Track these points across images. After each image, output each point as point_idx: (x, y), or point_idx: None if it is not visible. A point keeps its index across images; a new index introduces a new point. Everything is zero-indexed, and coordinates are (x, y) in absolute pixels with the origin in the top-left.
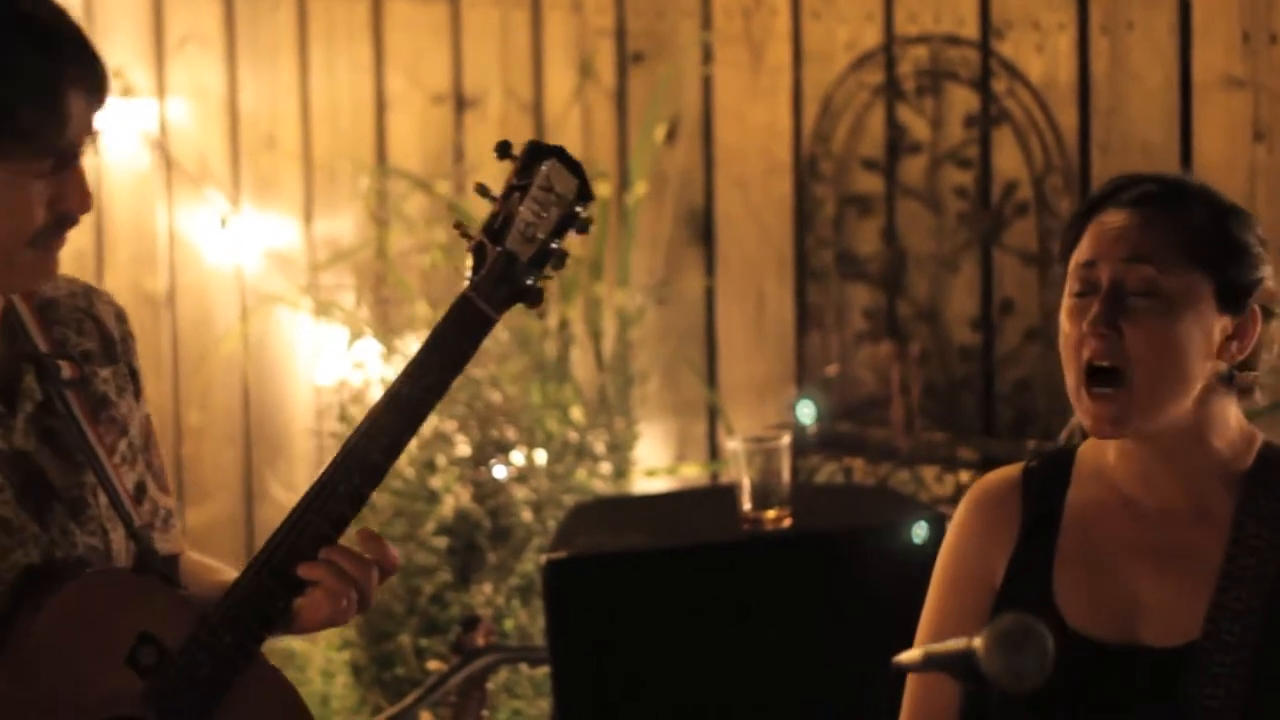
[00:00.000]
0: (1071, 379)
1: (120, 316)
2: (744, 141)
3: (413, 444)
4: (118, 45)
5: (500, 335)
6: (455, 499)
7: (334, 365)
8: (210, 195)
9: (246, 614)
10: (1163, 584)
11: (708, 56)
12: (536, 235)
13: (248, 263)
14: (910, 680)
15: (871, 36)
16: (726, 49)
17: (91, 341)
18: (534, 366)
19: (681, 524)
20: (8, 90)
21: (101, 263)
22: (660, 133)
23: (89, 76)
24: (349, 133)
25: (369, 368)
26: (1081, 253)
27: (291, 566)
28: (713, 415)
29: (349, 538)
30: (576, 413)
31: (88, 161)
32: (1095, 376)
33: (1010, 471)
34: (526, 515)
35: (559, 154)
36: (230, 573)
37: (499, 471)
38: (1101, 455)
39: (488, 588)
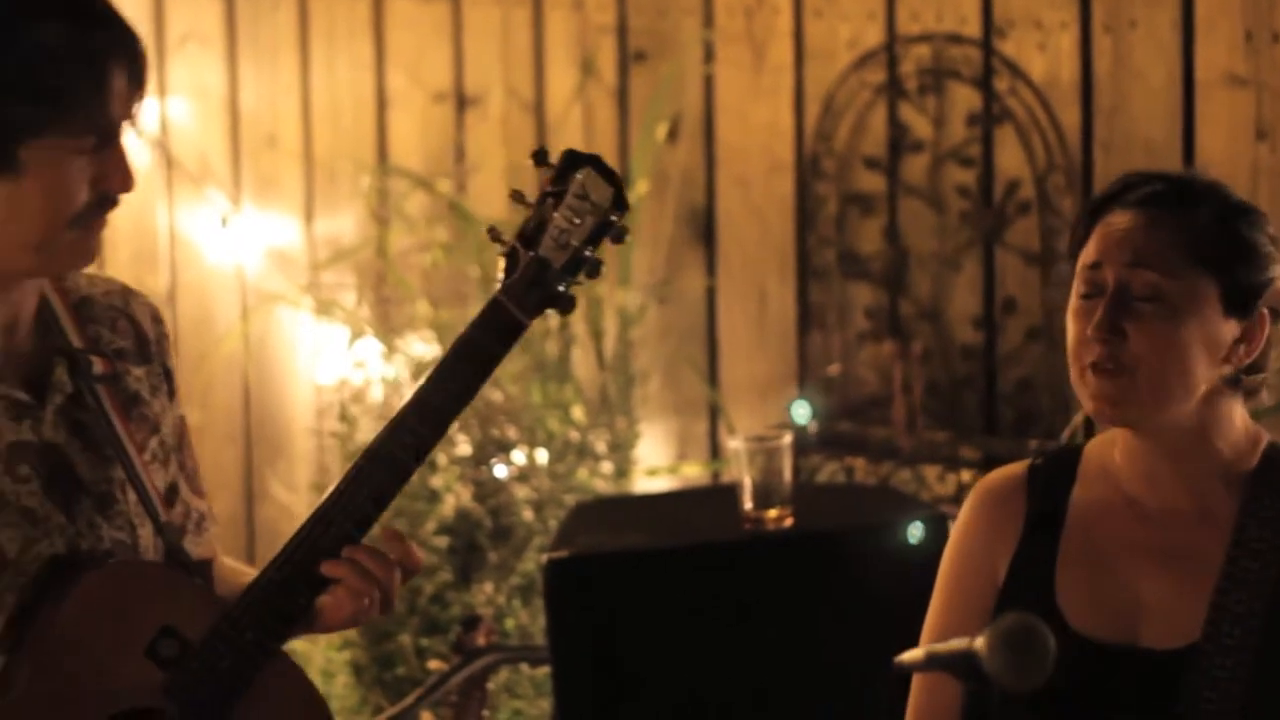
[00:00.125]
0: (1074, 373)
1: (156, 318)
2: (746, 140)
3: None
4: None
5: None
6: (456, 498)
7: (335, 364)
8: (211, 194)
9: (267, 610)
10: (1164, 585)
11: (709, 55)
12: (570, 242)
13: (248, 262)
14: (915, 680)
15: (873, 35)
16: (728, 47)
17: (126, 340)
18: (535, 366)
19: (682, 523)
20: (52, 62)
21: (102, 261)
22: (662, 131)
23: (130, 56)
24: (350, 131)
25: (370, 367)
26: (1088, 254)
27: (314, 564)
28: (714, 414)
29: (371, 537)
30: (578, 412)
31: None
32: (1099, 375)
33: (1015, 469)
34: (527, 515)
35: (595, 162)
36: None
37: (500, 471)
38: (1107, 455)
39: (489, 587)
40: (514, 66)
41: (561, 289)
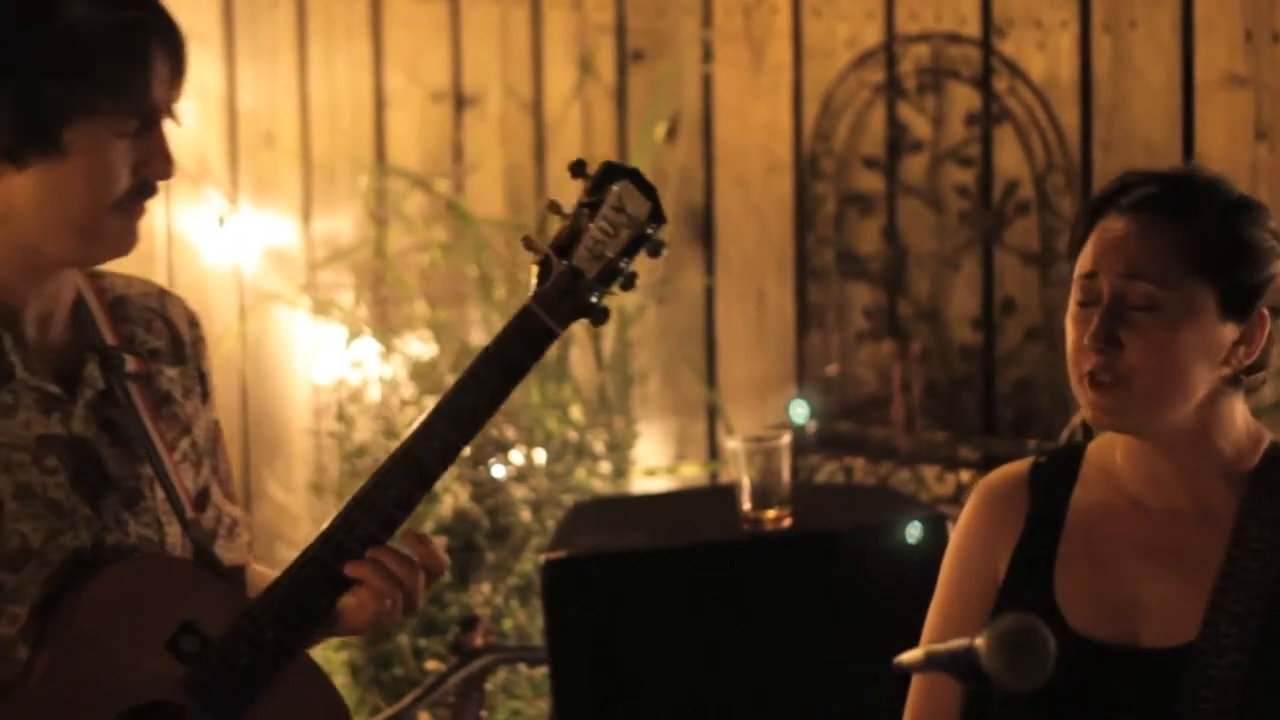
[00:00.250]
0: (1074, 378)
1: (193, 321)
2: (744, 140)
3: None
4: None
5: None
6: (454, 498)
7: (332, 364)
8: (209, 194)
9: (289, 609)
10: (1164, 584)
11: (708, 54)
12: (604, 253)
13: (246, 261)
14: (914, 680)
15: (872, 34)
16: (727, 47)
17: (161, 341)
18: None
19: (681, 524)
20: (92, 40)
21: None
22: (660, 131)
23: (170, 40)
24: (348, 131)
25: (367, 367)
26: (1084, 262)
27: (337, 564)
28: (712, 415)
29: (394, 539)
30: (576, 412)
31: None
32: (1095, 385)
33: (1019, 467)
34: (525, 515)
35: (633, 175)
36: None
37: (498, 471)
38: (1109, 454)
39: (486, 587)
40: (512, 66)
41: (594, 299)
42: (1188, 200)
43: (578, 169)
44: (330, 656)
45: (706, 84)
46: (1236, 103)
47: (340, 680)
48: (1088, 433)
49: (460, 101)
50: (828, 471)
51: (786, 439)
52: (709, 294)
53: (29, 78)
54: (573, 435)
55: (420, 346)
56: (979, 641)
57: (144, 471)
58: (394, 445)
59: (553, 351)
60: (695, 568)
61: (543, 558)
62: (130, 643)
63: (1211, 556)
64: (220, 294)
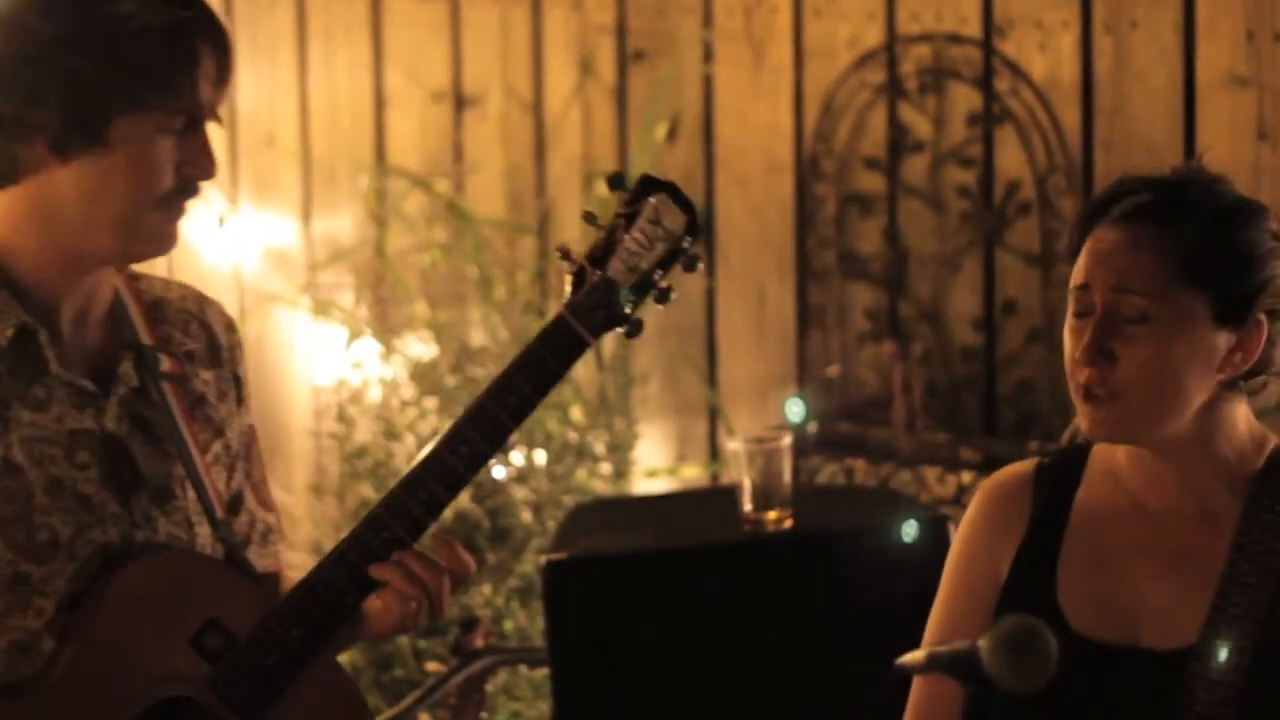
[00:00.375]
0: (1071, 388)
1: (230, 326)
2: (745, 140)
3: (411, 443)
4: None
5: (500, 335)
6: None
7: (332, 365)
8: (208, 194)
9: (315, 608)
10: (1165, 586)
11: (709, 55)
12: (639, 265)
13: (246, 262)
14: (915, 680)
15: (873, 35)
16: (727, 47)
17: (197, 344)
18: None
19: (682, 525)
20: (147, 41)
21: None
22: (661, 131)
23: (217, 39)
24: (348, 131)
25: (368, 367)
26: (1077, 274)
27: (364, 566)
28: (713, 416)
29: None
30: (576, 413)
31: None
32: (1090, 397)
33: (1023, 467)
34: (526, 516)
35: (671, 189)
36: None
37: (498, 472)
38: (1113, 455)
39: (487, 589)
40: (513, 66)
41: (628, 310)
42: (1179, 208)
43: (616, 181)
44: None
45: (707, 84)
46: (1238, 103)
47: None
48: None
49: (460, 102)
50: (829, 473)
51: (787, 440)
52: (710, 295)
53: (78, 69)
54: (573, 436)
55: (421, 347)
56: (981, 643)
57: (175, 471)
58: (394, 446)
59: None
60: (696, 569)
61: (543, 559)
62: (155, 638)
63: (1213, 559)
64: (220, 295)
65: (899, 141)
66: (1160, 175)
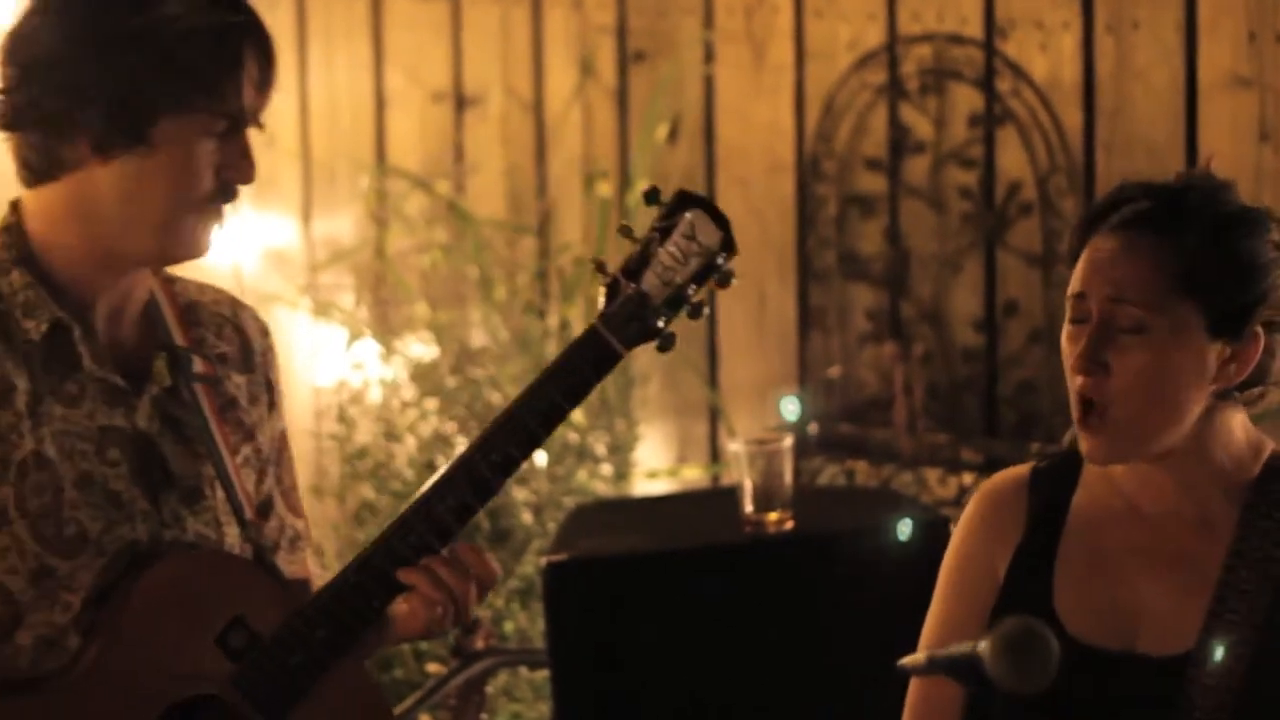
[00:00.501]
0: (1071, 400)
1: (264, 331)
2: (746, 141)
3: (411, 445)
4: None
5: (500, 336)
6: None
7: (333, 366)
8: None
9: (341, 610)
10: (1162, 592)
11: (709, 55)
12: (673, 280)
13: (246, 262)
14: (913, 682)
15: (874, 35)
16: (728, 47)
17: (230, 347)
18: (534, 367)
19: (682, 526)
20: (194, 43)
21: None
22: (662, 132)
23: (263, 47)
24: (348, 131)
25: (368, 368)
26: (1074, 282)
27: (391, 569)
28: (714, 417)
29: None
30: (577, 414)
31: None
32: (1085, 406)
33: (1019, 471)
34: (526, 517)
35: (706, 205)
36: None
37: None
38: None
39: None
40: (513, 66)
41: (660, 324)
42: (1178, 217)
43: (652, 196)
44: None
45: (708, 85)
46: (1240, 104)
47: None
48: None
49: (461, 102)
50: (829, 474)
51: (788, 442)
52: (710, 295)
53: (124, 69)
54: (574, 437)
55: (421, 348)
56: (982, 645)
57: (205, 471)
58: (395, 447)
59: (554, 353)
60: (697, 571)
61: (544, 560)
62: (180, 636)
63: (1210, 565)
64: None
65: (900, 142)
66: (1161, 182)
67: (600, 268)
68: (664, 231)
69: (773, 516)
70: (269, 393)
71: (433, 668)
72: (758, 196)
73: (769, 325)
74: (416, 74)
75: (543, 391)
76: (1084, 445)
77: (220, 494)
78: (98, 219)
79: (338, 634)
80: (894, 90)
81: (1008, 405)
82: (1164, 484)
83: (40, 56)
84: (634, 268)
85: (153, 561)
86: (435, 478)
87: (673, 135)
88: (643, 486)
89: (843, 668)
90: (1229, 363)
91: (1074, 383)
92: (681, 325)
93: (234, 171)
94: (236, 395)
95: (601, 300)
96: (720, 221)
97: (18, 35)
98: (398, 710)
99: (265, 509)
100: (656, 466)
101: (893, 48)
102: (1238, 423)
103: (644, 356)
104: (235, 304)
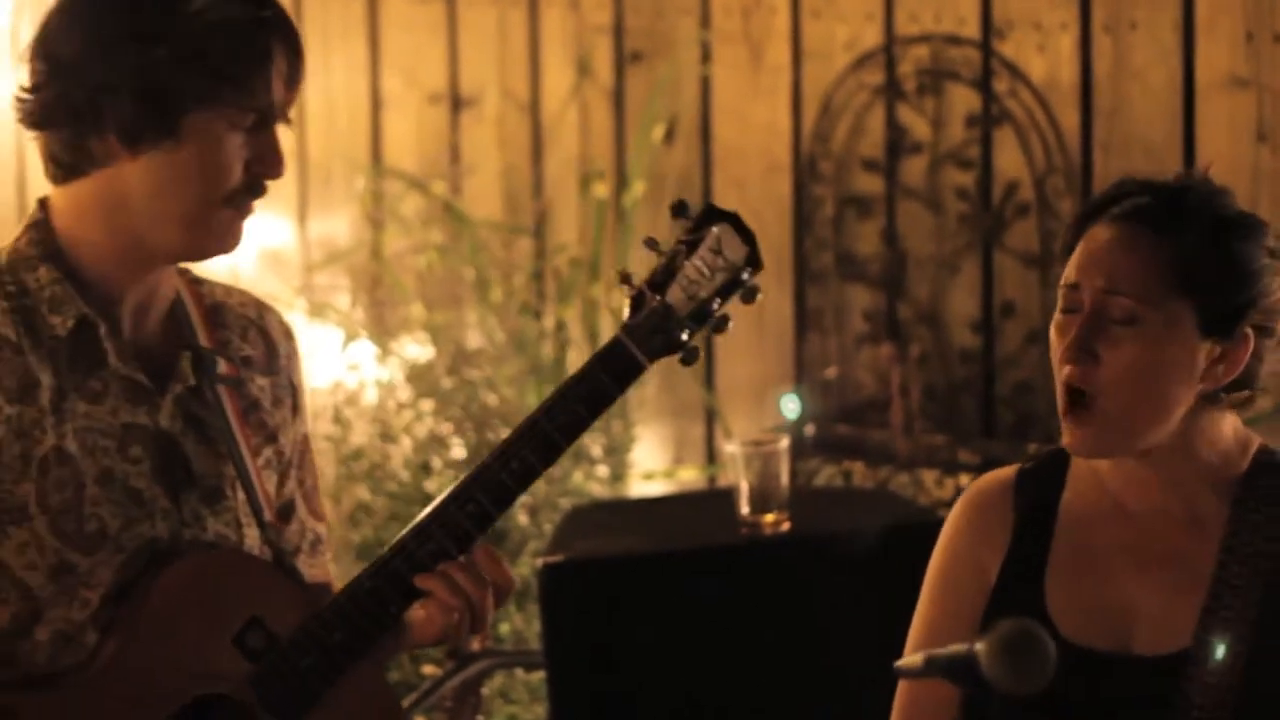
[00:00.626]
0: (1058, 392)
1: (289, 334)
2: (743, 141)
3: (407, 446)
4: None
5: (496, 337)
6: None
7: (328, 367)
8: None
9: (358, 613)
10: (1155, 591)
11: (706, 55)
12: (698, 294)
13: (242, 263)
14: (901, 684)
15: (872, 36)
16: (725, 48)
17: (255, 350)
18: (530, 369)
19: (679, 528)
20: (224, 36)
21: None
22: (658, 132)
23: (292, 42)
24: (344, 132)
25: (364, 370)
26: (1068, 272)
27: (408, 575)
28: (710, 418)
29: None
30: None
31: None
32: (1072, 396)
33: (1004, 473)
34: (522, 519)
35: (733, 220)
36: None
37: None
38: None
39: None
40: (509, 67)
41: (684, 337)
42: (1178, 215)
43: (679, 209)
44: None
45: (705, 85)
46: (1238, 104)
47: None
48: None
49: (457, 103)
50: (826, 475)
51: (785, 443)
52: None
53: (153, 61)
54: None
55: (417, 349)
56: (979, 646)
57: (227, 471)
58: (391, 448)
59: (550, 354)
60: (693, 572)
61: (540, 562)
62: (197, 635)
63: (1202, 563)
64: None
65: (897, 143)
66: (1161, 180)
67: (625, 279)
68: (691, 245)
69: (769, 518)
70: (292, 396)
71: (428, 669)
72: (755, 197)
73: (766, 326)
74: (413, 75)
75: (565, 401)
76: (1068, 437)
77: (241, 495)
78: (126, 214)
79: (354, 638)
80: (891, 91)
81: (1005, 406)
82: (1149, 481)
83: (69, 53)
84: (659, 280)
85: (172, 560)
86: (454, 485)
87: (669, 136)
88: (639, 488)
89: (839, 669)
90: (1218, 362)
91: (1061, 373)
92: None
93: (262, 166)
94: (260, 397)
95: (626, 311)
96: (746, 236)
97: (46, 33)
98: None
99: (286, 512)
100: (653, 468)
101: (890, 48)
102: (1227, 422)
103: None
104: (261, 306)
